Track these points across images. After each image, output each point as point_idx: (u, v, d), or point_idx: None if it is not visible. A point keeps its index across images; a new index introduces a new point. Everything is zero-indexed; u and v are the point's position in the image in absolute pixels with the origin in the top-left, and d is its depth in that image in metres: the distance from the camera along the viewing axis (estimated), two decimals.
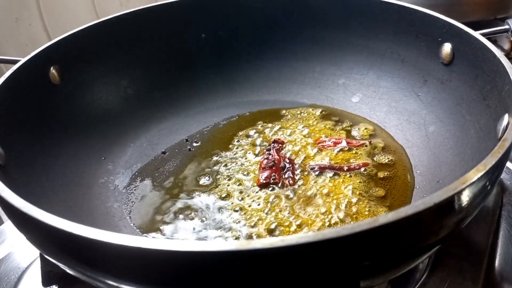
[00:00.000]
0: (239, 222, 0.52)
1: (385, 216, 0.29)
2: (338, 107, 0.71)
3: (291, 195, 0.55)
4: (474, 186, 0.33)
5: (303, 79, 0.75)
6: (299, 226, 0.51)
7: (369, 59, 0.70)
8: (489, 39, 0.53)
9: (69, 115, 0.61)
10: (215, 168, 0.61)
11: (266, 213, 0.53)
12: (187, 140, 0.67)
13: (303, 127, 0.67)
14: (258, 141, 0.65)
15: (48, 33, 1.01)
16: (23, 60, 0.55)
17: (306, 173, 0.58)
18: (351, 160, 0.60)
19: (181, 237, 0.51)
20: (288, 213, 0.53)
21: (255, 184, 0.57)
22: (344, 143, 0.62)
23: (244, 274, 0.30)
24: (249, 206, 0.54)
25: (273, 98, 0.74)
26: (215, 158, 0.63)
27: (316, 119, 0.69)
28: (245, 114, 0.72)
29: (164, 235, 0.52)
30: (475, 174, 0.33)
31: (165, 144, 0.67)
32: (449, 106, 0.58)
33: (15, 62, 0.56)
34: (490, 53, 0.50)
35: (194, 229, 0.52)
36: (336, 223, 0.51)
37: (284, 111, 0.71)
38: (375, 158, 0.60)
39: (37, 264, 0.50)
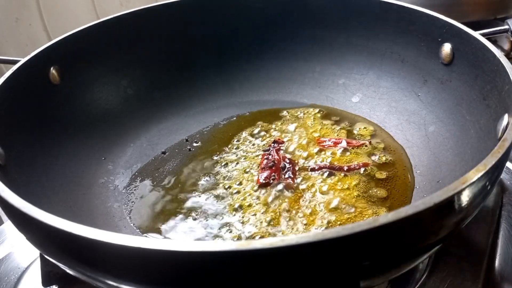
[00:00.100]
0: (239, 222, 0.52)
1: (385, 216, 0.29)
2: (338, 107, 0.71)
3: (291, 195, 0.55)
4: (474, 186, 0.33)
5: (303, 79, 0.75)
6: (300, 226, 0.51)
7: (369, 59, 0.70)
8: (489, 39, 0.53)
9: (69, 115, 0.61)
10: (215, 168, 0.61)
11: (266, 213, 0.53)
12: (187, 140, 0.67)
13: (303, 127, 0.67)
14: (258, 141, 0.65)
15: (48, 33, 1.01)
16: (23, 60, 0.55)
17: (306, 173, 0.58)
18: (352, 161, 0.60)
19: (181, 237, 0.51)
20: (288, 213, 0.53)
21: (255, 184, 0.57)
22: (344, 143, 0.62)
23: (244, 274, 0.30)
24: (249, 206, 0.54)
25: (273, 98, 0.74)
26: (215, 158, 0.63)
27: (316, 119, 0.69)
28: (245, 114, 0.72)
29: (164, 235, 0.52)
30: (475, 174, 0.33)
31: (165, 144, 0.67)
32: (449, 106, 0.58)
33: (15, 62, 0.56)
34: (490, 53, 0.50)
35: (194, 229, 0.52)
36: (335, 223, 0.51)
37: (284, 111, 0.71)
38: (375, 158, 0.60)
39: (37, 264, 0.50)
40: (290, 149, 0.63)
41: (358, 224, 0.28)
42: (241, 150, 0.64)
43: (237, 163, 0.61)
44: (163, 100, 0.72)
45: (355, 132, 0.66)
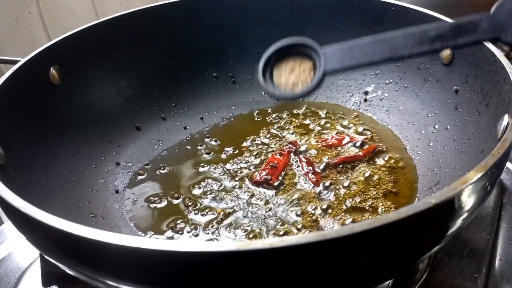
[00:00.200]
0: (239, 222, 0.52)
1: (385, 216, 0.29)
2: (338, 107, 0.71)
3: (291, 195, 0.55)
4: (474, 186, 0.33)
5: None
6: (295, 228, 0.51)
7: None
8: None
9: (69, 115, 0.61)
10: (215, 168, 0.61)
11: (267, 213, 0.53)
12: (187, 140, 0.67)
13: (304, 127, 0.67)
14: (258, 141, 0.65)
15: (48, 33, 1.00)
16: (23, 60, 0.55)
17: (328, 171, 0.59)
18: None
19: (181, 237, 0.51)
20: (288, 213, 0.53)
21: (253, 183, 0.57)
22: (347, 139, 0.63)
23: (244, 274, 0.30)
24: (250, 205, 0.54)
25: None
26: (215, 158, 0.63)
27: (316, 119, 0.69)
28: (245, 114, 0.72)
29: (164, 235, 0.52)
30: (475, 174, 0.33)
31: (165, 144, 0.67)
32: (449, 106, 0.59)
33: (15, 62, 0.56)
34: (490, 53, 0.50)
35: (194, 229, 0.52)
36: (334, 221, 0.51)
37: (284, 111, 0.71)
38: (375, 159, 0.60)
39: (37, 264, 0.50)
40: (302, 149, 0.63)
41: (358, 224, 0.28)
42: (241, 150, 0.64)
43: (237, 163, 0.61)
44: (163, 100, 0.72)
45: (355, 132, 0.66)
